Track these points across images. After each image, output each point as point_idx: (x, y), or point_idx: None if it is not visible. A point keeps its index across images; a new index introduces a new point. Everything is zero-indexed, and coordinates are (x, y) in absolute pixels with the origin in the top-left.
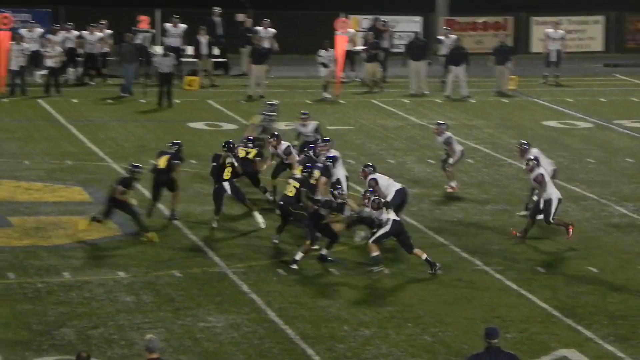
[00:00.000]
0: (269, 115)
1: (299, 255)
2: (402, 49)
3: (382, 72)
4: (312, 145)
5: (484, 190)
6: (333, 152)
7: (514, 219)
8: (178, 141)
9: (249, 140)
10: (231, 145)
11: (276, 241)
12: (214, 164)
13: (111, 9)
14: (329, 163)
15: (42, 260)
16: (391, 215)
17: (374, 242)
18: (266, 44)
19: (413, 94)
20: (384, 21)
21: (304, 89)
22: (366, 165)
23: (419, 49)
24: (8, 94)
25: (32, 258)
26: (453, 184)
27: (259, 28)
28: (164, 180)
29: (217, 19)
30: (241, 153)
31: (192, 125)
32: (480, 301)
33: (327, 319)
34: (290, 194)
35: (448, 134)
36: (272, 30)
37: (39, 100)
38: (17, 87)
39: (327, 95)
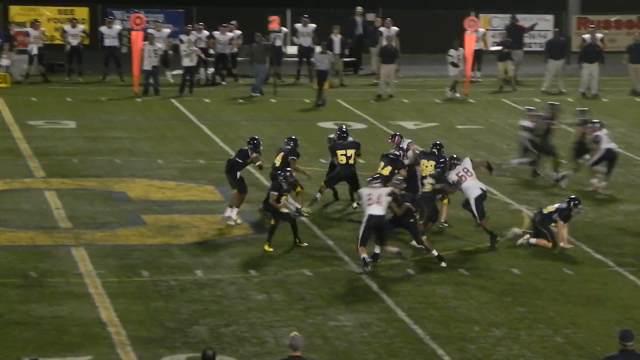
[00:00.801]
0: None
1: (435, 252)
2: (532, 48)
3: (515, 70)
4: (401, 146)
5: (617, 191)
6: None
7: None
8: (293, 137)
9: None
10: (258, 143)
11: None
12: (240, 160)
13: (241, 9)
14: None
15: (175, 258)
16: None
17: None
18: (389, 42)
19: (544, 91)
20: (515, 18)
21: (433, 88)
22: (452, 158)
23: (558, 47)
24: (141, 93)
25: (166, 256)
26: (594, 180)
27: (382, 28)
28: None
29: (359, 19)
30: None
31: (322, 124)
32: (613, 302)
33: (458, 319)
34: (428, 190)
35: (598, 132)
36: (395, 28)
37: (172, 100)
38: (150, 87)
39: (455, 94)
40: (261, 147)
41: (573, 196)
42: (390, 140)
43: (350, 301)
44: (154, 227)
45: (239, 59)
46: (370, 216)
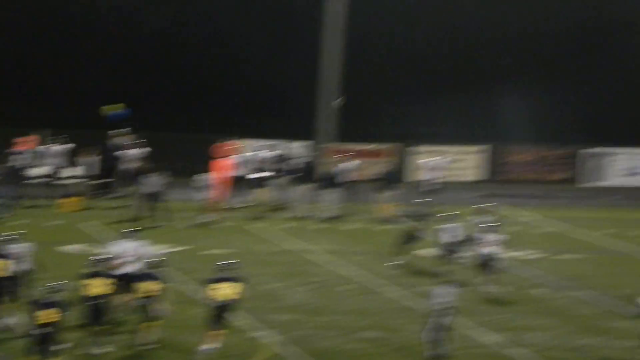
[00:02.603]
0: None
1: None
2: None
3: (274, 197)
4: None
5: (360, 317)
6: None
7: None
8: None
9: None
10: None
11: None
12: None
13: None
14: None
15: None
16: None
17: None
18: (135, 164)
19: (295, 217)
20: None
21: (180, 212)
22: None
23: (307, 172)
24: None
25: None
26: None
27: (128, 152)
28: None
29: (114, 141)
30: None
31: (64, 248)
32: None
33: None
34: None
35: None
36: (144, 149)
37: None
38: None
39: (204, 219)
40: None
41: None
42: None
43: None
44: None
45: None
46: None
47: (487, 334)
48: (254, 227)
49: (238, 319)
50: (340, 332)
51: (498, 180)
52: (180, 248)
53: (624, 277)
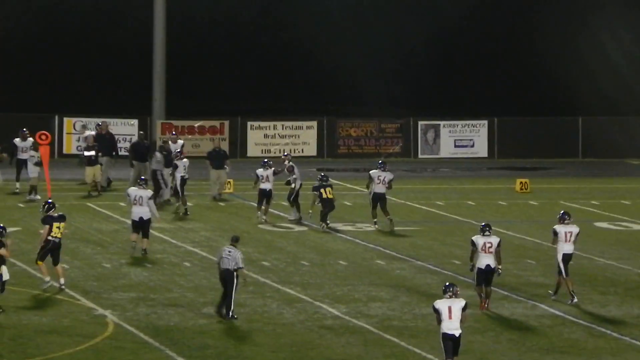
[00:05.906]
0: None
1: None
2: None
3: (102, 175)
4: None
5: (200, 294)
6: None
7: None
8: None
9: None
10: None
11: None
12: None
13: None
14: None
15: None
16: None
17: None
18: None
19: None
20: (100, 123)
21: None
22: None
23: (144, 149)
24: None
25: None
26: None
27: None
28: None
29: None
30: None
31: None
32: None
33: None
34: None
35: None
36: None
37: None
38: None
39: (36, 196)
40: None
41: None
42: None
43: None
44: None
45: None
46: None
47: (332, 306)
48: (95, 204)
49: (81, 300)
50: (183, 309)
51: (333, 154)
52: (15, 228)
53: (458, 247)
